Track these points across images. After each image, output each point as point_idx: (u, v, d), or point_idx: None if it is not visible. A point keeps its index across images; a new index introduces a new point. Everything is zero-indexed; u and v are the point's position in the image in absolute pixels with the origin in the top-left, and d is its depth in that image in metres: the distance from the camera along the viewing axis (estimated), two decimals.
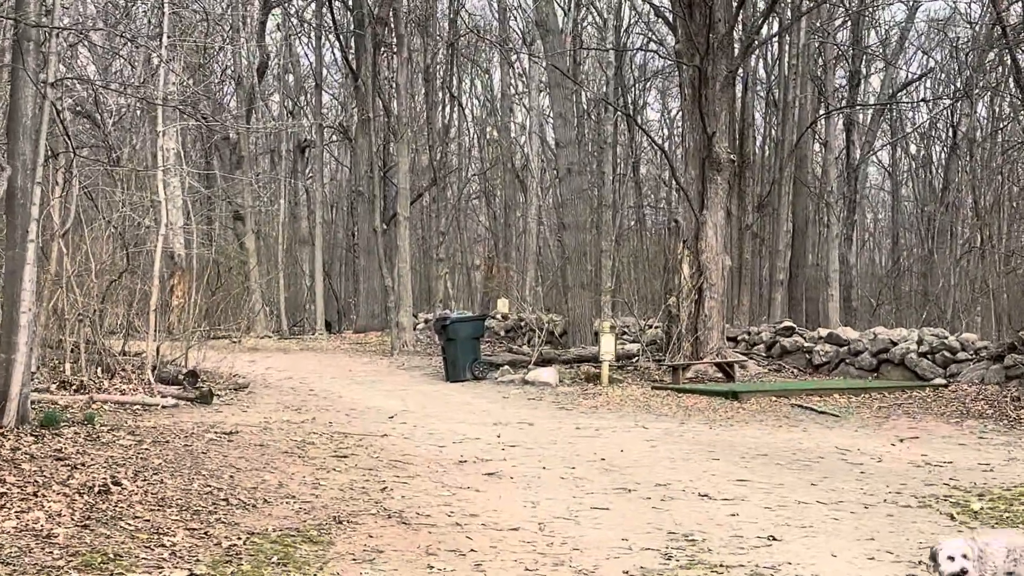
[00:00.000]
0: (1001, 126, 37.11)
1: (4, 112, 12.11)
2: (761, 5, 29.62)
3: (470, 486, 10.58)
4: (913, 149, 47.42)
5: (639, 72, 41.98)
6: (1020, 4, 28.88)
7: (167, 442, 12.25)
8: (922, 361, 20.58)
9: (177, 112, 22.27)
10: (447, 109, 45.98)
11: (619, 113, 35.91)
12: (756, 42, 28.56)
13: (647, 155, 45.27)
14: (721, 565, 7.57)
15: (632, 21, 39.12)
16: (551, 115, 31.32)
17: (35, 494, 8.90)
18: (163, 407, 15.52)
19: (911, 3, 38.14)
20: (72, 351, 17.28)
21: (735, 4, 22.79)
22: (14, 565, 7.01)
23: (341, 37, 37.98)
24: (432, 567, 7.48)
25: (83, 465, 10.30)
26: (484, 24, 46.35)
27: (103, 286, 19.02)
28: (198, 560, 7.48)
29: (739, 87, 29.48)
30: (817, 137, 36.53)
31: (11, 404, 11.80)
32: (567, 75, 27.52)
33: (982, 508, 9.67)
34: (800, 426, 15.59)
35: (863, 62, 38.11)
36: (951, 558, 6.02)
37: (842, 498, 10.17)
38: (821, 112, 35.58)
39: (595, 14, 38.81)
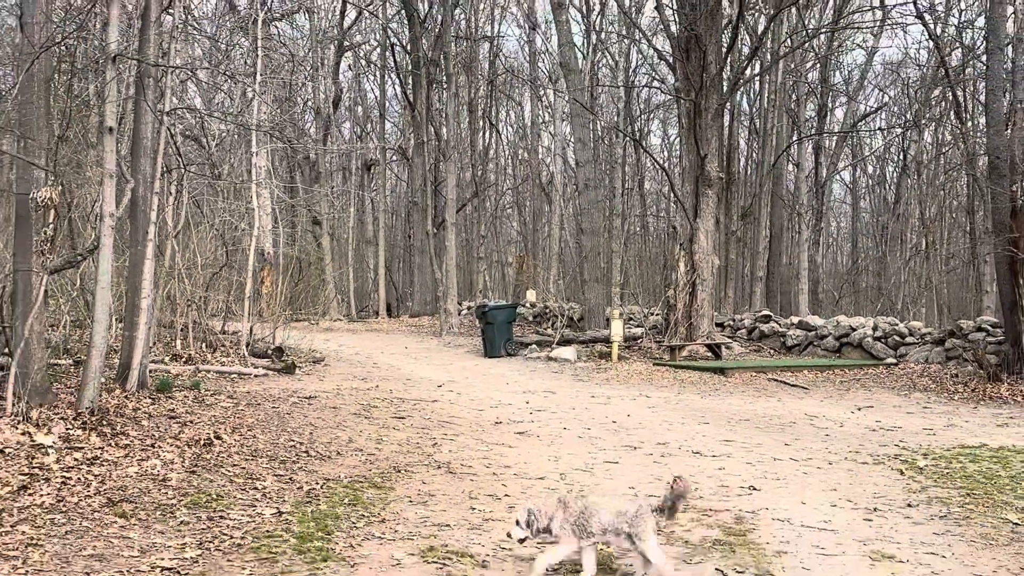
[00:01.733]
0: (944, 151, 36.86)
1: (129, 136, 12.18)
2: (746, 50, 29.46)
3: (504, 443, 10.59)
4: (870, 169, 47.25)
5: (644, 105, 41.77)
6: (960, 51, 28.70)
7: (258, 405, 12.31)
8: (876, 344, 20.42)
9: (267, 136, 22.37)
10: (487, 134, 45.97)
11: (627, 138, 35.86)
12: (741, 80, 28.39)
13: (650, 173, 45.01)
14: (711, 509, 7.56)
15: (639, 63, 38.95)
16: (572, 139, 31.26)
17: (152, 446, 8.98)
18: (255, 376, 15.59)
19: (869, 48, 38.04)
20: (182, 330, 17.39)
21: (724, 50, 22.65)
22: (137, 503, 7.09)
23: (401, 75, 37.94)
24: (474, 508, 7.50)
25: (191, 423, 10.37)
26: (517, 65, 46.27)
27: (207, 277, 19.12)
28: (284, 500, 7.53)
29: (727, 117, 29.26)
30: (791, 159, 36.32)
31: (133, 372, 11.90)
32: (585, 107, 27.44)
33: (926, 465, 9.61)
34: (776, 396, 15.52)
35: (829, 97, 37.87)
36: (517, 523, 5.94)
37: (810, 456, 10.12)
38: (794, 138, 35.43)
39: (609, 57, 38.68)
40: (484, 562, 6.07)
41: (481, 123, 44.35)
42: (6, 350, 10.58)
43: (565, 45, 27.83)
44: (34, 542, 6.00)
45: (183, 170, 14.56)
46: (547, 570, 5.85)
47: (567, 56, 27.76)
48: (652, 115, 44.39)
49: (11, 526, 6.27)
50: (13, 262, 9.97)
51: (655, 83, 36.36)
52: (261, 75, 19.58)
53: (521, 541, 5.98)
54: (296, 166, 38.37)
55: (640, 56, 38.43)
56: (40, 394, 9.52)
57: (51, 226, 9.07)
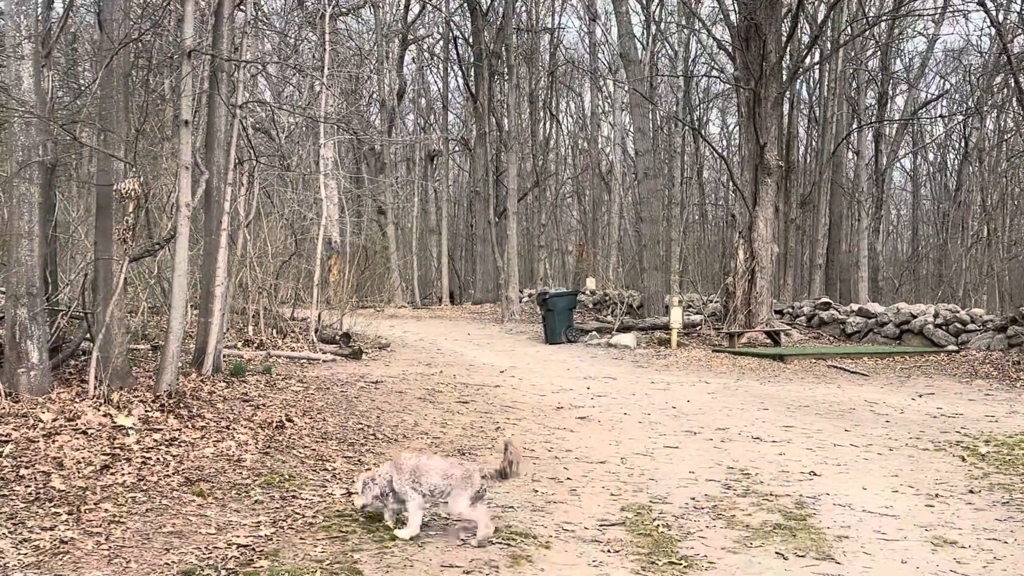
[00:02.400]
0: (1005, 137, 36.09)
1: (203, 129, 12.37)
2: (806, 39, 29.02)
3: (565, 427, 10.60)
4: (931, 156, 46.35)
5: (703, 94, 41.42)
6: (1022, 37, 28.01)
7: (327, 389, 12.45)
8: (937, 331, 20.05)
9: (335, 128, 22.54)
10: (547, 125, 45.91)
11: (687, 128, 35.55)
12: (801, 69, 27.96)
13: (709, 162, 44.60)
14: (771, 494, 7.50)
15: (698, 53, 38.60)
16: (631, 129, 31.04)
17: (227, 427, 9.13)
18: (323, 361, 15.76)
19: (931, 36, 37.25)
20: (253, 316, 17.63)
21: (784, 38, 22.35)
22: (213, 482, 7.22)
23: (463, 68, 37.99)
24: (536, 491, 7.52)
25: (263, 406, 10.54)
26: (577, 56, 46.10)
27: (277, 265, 19.38)
28: (353, 481, 7.61)
29: (786, 106, 28.89)
30: (850, 147, 35.71)
31: (208, 357, 12.11)
32: (645, 97, 27.26)
33: (988, 452, 9.44)
34: (835, 383, 15.32)
35: (890, 85, 37.18)
36: (358, 492, 6.35)
37: (871, 442, 9.99)
38: (854, 126, 34.88)
39: (668, 47, 38.37)
40: (547, 543, 6.09)
41: (542, 114, 44.30)
42: (88, 335, 10.83)
43: (625, 36, 27.66)
44: (116, 519, 6.15)
45: (255, 162, 14.75)
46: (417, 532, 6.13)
47: (627, 46, 27.60)
48: (711, 104, 44.01)
49: (95, 504, 6.43)
50: (95, 250, 10.19)
51: (714, 72, 36.02)
52: (328, 69, 19.74)
53: (362, 508, 6.36)
54: (362, 157, 38.67)
55: (699, 46, 38.10)
56: (120, 377, 9.73)
57: (131, 216, 9.25)
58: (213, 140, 12.29)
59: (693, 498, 7.33)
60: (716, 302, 25.12)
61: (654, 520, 6.67)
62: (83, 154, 16.22)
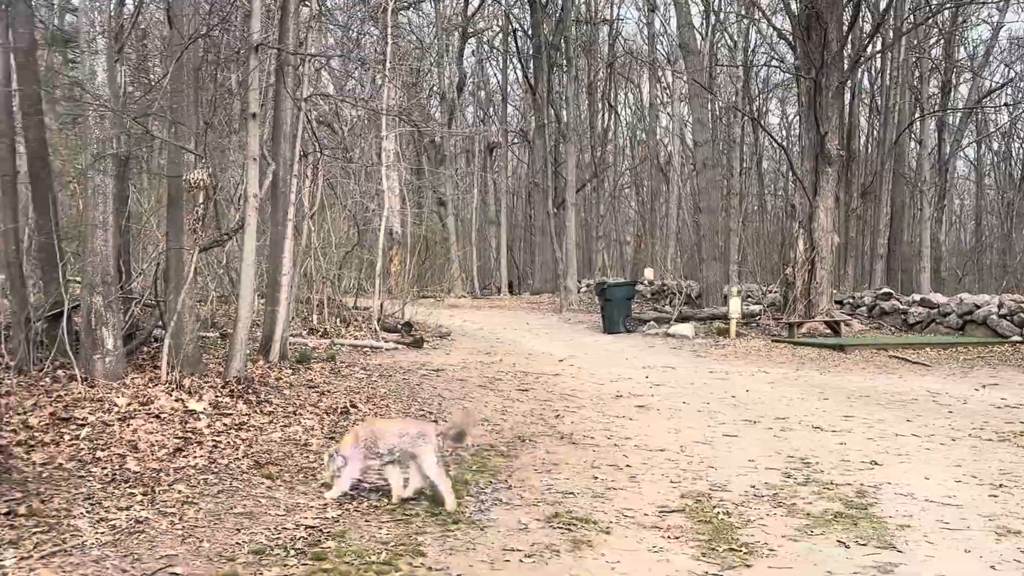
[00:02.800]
0: None
1: (270, 122, 12.53)
2: (867, 27, 28.54)
3: (624, 415, 10.58)
4: (995, 145, 45.30)
5: (762, 84, 40.95)
6: None
7: (390, 376, 12.58)
8: (1002, 322, 19.62)
9: (396, 120, 22.66)
10: (605, 116, 45.71)
11: (746, 118, 35.17)
12: (863, 58, 27.51)
13: (768, 152, 44.06)
14: (832, 483, 7.42)
15: (757, 43, 38.15)
16: (690, 120, 30.83)
17: (294, 413, 9.28)
18: (385, 349, 15.91)
19: (995, 23, 36.41)
20: (317, 305, 17.85)
21: (845, 27, 22.00)
22: (281, 465, 7.34)
23: (522, 60, 38.02)
24: (596, 477, 7.53)
25: (328, 392, 10.68)
26: (636, 47, 45.82)
27: (340, 256, 19.59)
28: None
29: (847, 95, 28.45)
30: (913, 136, 35.09)
31: (275, 345, 12.29)
32: (705, 87, 27.03)
33: None
34: (896, 373, 15.08)
35: (953, 73, 36.42)
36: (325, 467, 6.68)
37: (933, 432, 9.83)
38: (917, 115, 34.22)
39: (727, 37, 38.00)
40: (608, 528, 6.10)
41: (600, 105, 44.13)
42: (160, 323, 11.05)
43: (684, 26, 27.44)
44: (189, 500, 6.28)
45: (319, 154, 14.89)
46: (344, 493, 6.50)
47: (686, 37, 27.38)
48: (770, 94, 43.48)
49: (168, 485, 6.57)
50: (166, 240, 10.39)
51: (774, 62, 35.55)
52: (390, 62, 19.86)
53: (332, 479, 6.59)
54: (422, 149, 38.86)
55: (759, 36, 37.67)
56: (191, 364, 9.91)
57: (201, 206, 9.41)
58: (279, 133, 12.45)
59: (753, 486, 7.28)
60: (775, 292, 24.86)
61: (714, 507, 6.64)
62: (154, 147, 16.51)
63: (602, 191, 43.17)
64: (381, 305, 18.98)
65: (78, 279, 10.44)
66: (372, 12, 26.13)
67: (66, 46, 12.45)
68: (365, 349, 15.66)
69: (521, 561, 5.41)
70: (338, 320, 17.95)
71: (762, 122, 38.47)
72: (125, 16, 12.11)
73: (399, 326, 18.28)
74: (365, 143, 27.20)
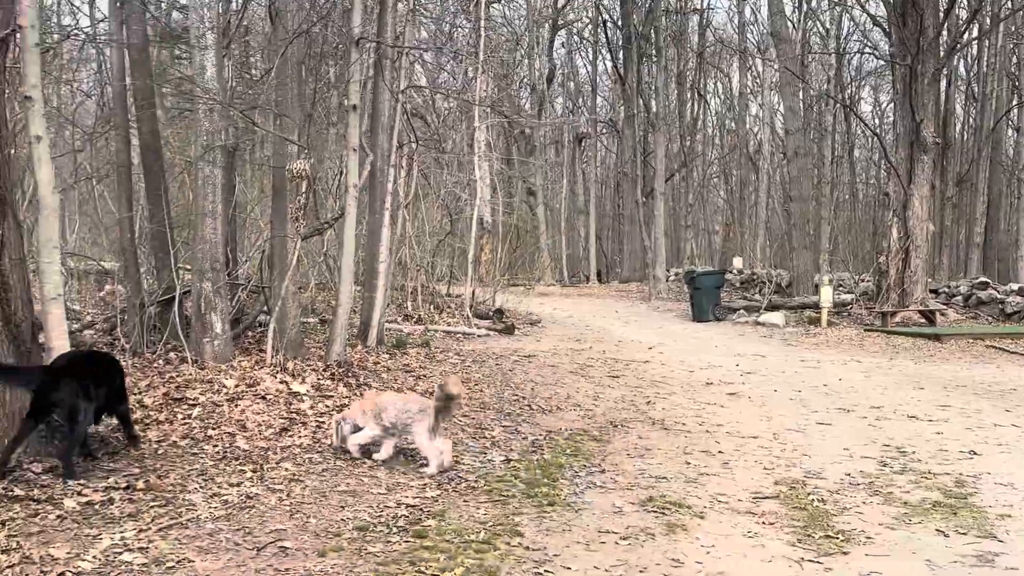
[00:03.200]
0: None
1: (369, 114, 12.70)
2: (964, 13, 27.66)
3: (715, 402, 10.49)
4: None
5: (855, 72, 40.00)
6: None
7: (483, 362, 12.68)
8: None
9: (488, 111, 22.77)
10: (695, 105, 45.21)
11: (838, 105, 34.42)
12: (959, 44, 26.68)
13: (859, 140, 43.06)
14: (929, 472, 7.26)
15: (850, 30, 37.32)
16: (781, 108, 30.32)
17: None
18: (478, 336, 16.04)
19: None
20: (412, 292, 18.06)
21: (942, 13, 21.37)
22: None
23: (612, 50, 37.82)
24: (689, 463, 7.49)
25: (424, 376, 10.82)
26: (726, 36, 45.19)
27: (434, 244, 19.79)
28: (511, 449, 7.76)
29: (943, 82, 27.64)
30: (1010, 123, 33.93)
31: (372, 330, 12.50)
32: (797, 75, 26.54)
33: None
34: (994, 363, 14.63)
35: None
36: (334, 435, 7.22)
37: None
38: (1015, 102, 33.09)
39: (819, 24, 37.22)
40: (702, 513, 6.08)
41: (689, 95, 43.66)
42: (265, 308, 11.33)
43: (776, 14, 26.97)
44: (295, 478, 6.44)
45: (415, 144, 15.06)
46: (358, 446, 7.04)
47: (778, 25, 26.92)
48: (863, 82, 42.45)
49: (276, 463, 6.75)
50: (271, 229, 10.64)
51: (867, 49, 34.72)
52: (483, 54, 19.95)
53: (339, 447, 7.12)
54: (512, 140, 38.95)
55: (852, 23, 36.83)
56: (294, 348, 10.14)
57: (303, 196, 9.61)
58: (377, 124, 12.63)
59: (848, 474, 7.17)
60: (867, 281, 24.33)
61: (808, 495, 6.56)
62: (256, 139, 16.88)
63: (691, 180, 42.72)
64: (473, 292, 19.12)
65: (188, 266, 10.76)
66: (464, 5, 26.28)
67: (176, 42, 12.80)
68: (458, 335, 15.80)
69: (616, 543, 5.42)
70: (431, 307, 18.14)
71: (854, 110, 37.62)
72: (231, 13, 12.39)
73: (491, 313, 18.41)
74: (457, 134, 27.41)
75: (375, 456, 7.01)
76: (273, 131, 10.10)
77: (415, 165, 17.54)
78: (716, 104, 50.19)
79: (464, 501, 6.15)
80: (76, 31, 12.81)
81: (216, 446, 7.10)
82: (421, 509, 5.91)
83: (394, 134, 12.91)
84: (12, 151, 6.95)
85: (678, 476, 7.03)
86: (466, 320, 17.24)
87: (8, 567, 4.52)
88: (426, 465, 6.82)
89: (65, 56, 15.08)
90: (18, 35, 6.43)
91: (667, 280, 30.57)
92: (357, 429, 7.08)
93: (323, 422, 8.05)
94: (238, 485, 6.16)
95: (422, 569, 4.82)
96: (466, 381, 10.75)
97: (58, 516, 5.35)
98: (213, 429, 7.48)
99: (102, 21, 12.47)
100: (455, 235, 21.64)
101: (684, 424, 9.14)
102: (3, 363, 6.19)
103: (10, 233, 6.21)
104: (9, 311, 6.17)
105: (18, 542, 4.87)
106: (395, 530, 5.46)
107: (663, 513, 6.04)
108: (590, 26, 42.27)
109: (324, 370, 9.86)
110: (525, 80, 39.76)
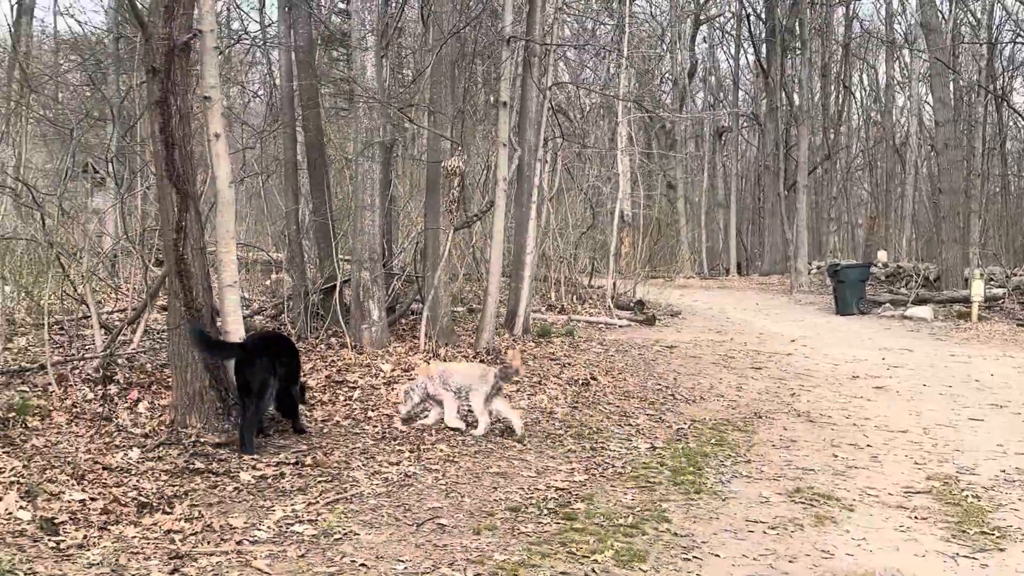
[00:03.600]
0: None
1: (517, 110, 12.81)
2: None
3: (862, 396, 10.17)
4: None
5: (1007, 62, 37.97)
6: None
7: (626, 351, 12.64)
8: None
9: (630, 106, 22.63)
10: (839, 97, 43.75)
11: (989, 97, 32.74)
12: None
13: (1012, 132, 40.87)
14: None
15: (1002, 19, 35.39)
16: (929, 100, 29.07)
17: (539, 383, 9.51)
18: (619, 326, 15.99)
19: None
20: (555, 283, 18.13)
21: None
22: (530, 431, 7.56)
23: (755, 44, 36.98)
24: (836, 455, 7.30)
25: (569, 364, 10.86)
26: (873, 27, 43.56)
27: (576, 237, 19.80)
28: (656, 437, 7.73)
29: None
30: None
31: (518, 319, 12.62)
32: (947, 66, 25.39)
33: None
34: None
35: None
36: (401, 403, 7.53)
37: None
38: None
39: (970, 14, 35.46)
40: (851, 506, 5.92)
41: (833, 87, 42.29)
42: (418, 297, 11.59)
43: (927, 4, 25.82)
44: (450, 459, 6.58)
45: (562, 140, 15.11)
46: (456, 415, 7.40)
47: (928, 15, 25.79)
48: (1016, 72, 40.24)
49: (431, 444, 6.92)
50: (424, 222, 10.87)
51: (1019, 39, 32.91)
52: (627, 50, 19.84)
53: (407, 414, 7.44)
54: (653, 135, 38.58)
55: (1004, 12, 34.94)
56: (445, 335, 10.35)
57: (456, 189, 9.79)
58: (525, 120, 12.72)
59: (1003, 471, 6.85)
60: (1020, 275, 23.10)
61: (962, 490, 6.30)
62: (409, 135, 17.25)
63: (834, 173, 41.38)
64: (614, 284, 19.03)
65: (347, 257, 11.10)
66: (607, 4, 26.18)
67: (336, 45, 13.20)
68: (600, 325, 15.79)
69: (765, 532, 5.34)
70: (574, 298, 18.17)
71: (1007, 100, 35.73)
72: (388, 17, 12.69)
73: (631, 304, 18.31)
74: (598, 130, 27.35)
75: (475, 432, 7.27)
76: (428, 128, 10.31)
77: (559, 160, 17.61)
78: (861, 96, 48.47)
79: (611, 486, 6.17)
80: (247, 35, 13.36)
81: (375, 427, 7.32)
82: (570, 492, 5.95)
83: (541, 129, 12.99)
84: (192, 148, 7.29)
85: (825, 468, 6.87)
86: (608, 311, 17.20)
87: (192, 534, 4.78)
88: (475, 427, 7.29)
89: (234, 59, 15.74)
90: (197, 40, 6.75)
91: (809, 273, 29.71)
92: (427, 394, 7.42)
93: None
94: (397, 464, 6.34)
95: (573, 550, 4.86)
96: (609, 370, 10.75)
97: (235, 488, 5.62)
98: (372, 411, 7.71)
99: (270, 26, 12.96)
100: (596, 228, 21.59)
101: (830, 417, 8.91)
102: (211, 338, 6.56)
103: (192, 224, 6.55)
104: (191, 296, 6.51)
105: (200, 511, 5.14)
106: (545, 511, 5.52)
107: (811, 504, 5.91)
108: (733, 20, 41.44)
109: (474, 356, 10.03)
110: (667, 75, 39.31)
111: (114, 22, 15.45)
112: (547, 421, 8.00)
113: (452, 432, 7.30)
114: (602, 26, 27.09)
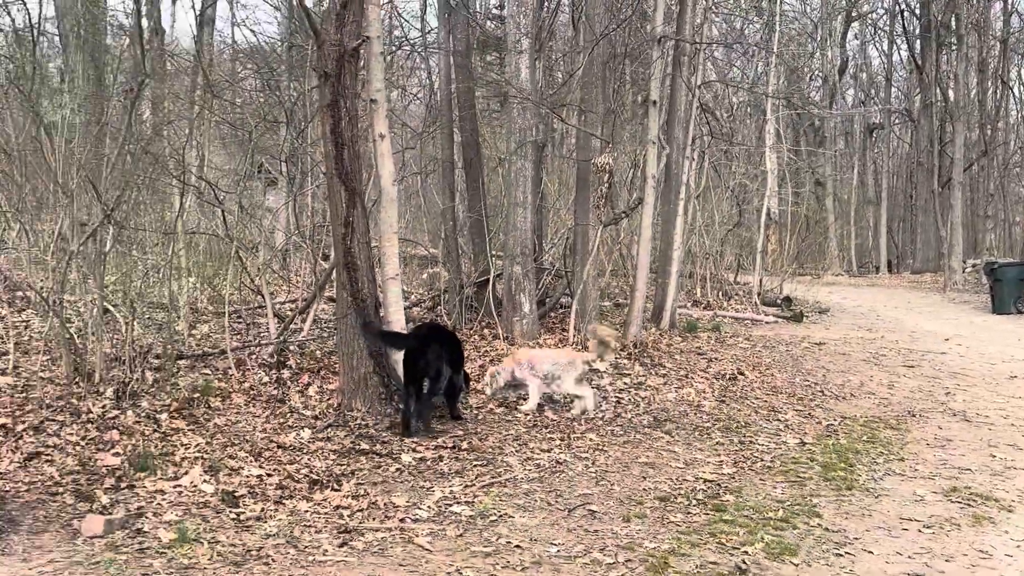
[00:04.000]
0: None
1: (665, 109, 12.67)
2: None
3: (1021, 396, 9.60)
4: None
5: None
6: None
7: (773, 347, 12.33)
8: None
9: (779, 103, 22.06)
10: (997, 93, 41.40)
11: None
12: None
13: None
14: None
15: None
16: None
17: (686, 376, 9.39)
18: (766, 322, 15.61)
19: None
20: (700, 279, 17.86)
21: None
22: (677, 423, 7.47)
23: (908, 40, 35.44)
24: (994, 456, 6.93)
25: (715, 359, 10.67)
26: None
27: (722, 233, 19.44)
28: (805, 432, 7.51)
29: None
30: None
31: (665, 314, 12.48)
32: None
33: None
34: None
35: None
36: (487, 386, 7.71)
37: None
38: None
39: None
40: (1010, 507, 5.60)
41: (991, 83, 40.04)
42: (567, 291, 11.62)
43: None
44: (599, 448, 6.58)
45: (711, 137, 14.87)
46: (538, 400, 7.58)
47: None
48: None
49: (581, 434, 6.93)
50: (574, 218, 10.89)
51: None
52: (776, 47, 19.34)
53: (492, 396, 7.66)
54: (802, 132, 37.47)
55: None
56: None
57: (605, 186, 9.76)
58: (673, 118, 12.57)
59: None
60: None
61: None
62: (558, 135, 17.30)
63: (991, 169, 39.19)
64: (760, 281, 18.60)
65: (499, 252, 11.24)
66: (756, 2, 25.58)
67: (492, 49, 13.36)
68: (746, 321, 15.46)
69: (920, 531, 5.12)
70: (719, 294, 17.85)
71: None
72: (541, 20, 12.76)
73: (778, 301, 17.85)
74: (746, 128, 26.76)
75: (523, 407, 7.51)
76: (580, 127, 10.32)
77: (706, 157, 17.32)
78: (1020, 91, 45.71)
79: (760, 479, 6.04)
80: (408, 41, 13.69)
81: (526, 415, 7.38)
82: (719, 484, 5.86)
83: (690, 127, 12.80)
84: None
85: (983, 468, 6.52)
86: (754, 307, 16.82)
87: (358, 510, 4.94)
88: (571, 408, 7.50)
89: (396, 64, 16.14)
90: (365, 46, 6.95)
91: (963, 271, 28.28)
92: (512, 379, 7.59)
93: (622, 397, 8.17)
94: (548, 451, 6.37)
95: (722, 541, 4.78)
96: (756, 365, 10.51)
97: (397, 469, 5.78)
98: (524, 399, 7.77)
99: (429, 32, 13.24)
100: (742, 225, 21.14)
101: (987, 417, 8.45)
102: (387, 330, 6.84)
103: (358, 220, 6.75)
104: (356, 287, 6.72)
105: (365, 489, 5.31)
106: (694, 502, 5.45)
107: (968, 504, 5.63)
108: (885, 16, 39.78)
109: (621, 350, 9.97)
110: (817, 72, 38.11)
111: (287, 32, 16.11)
112: (695, 414, 7.88)
113: (601, 422, 7.29)
114: (750, 24, 26.51)
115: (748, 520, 5.15)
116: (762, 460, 6.51)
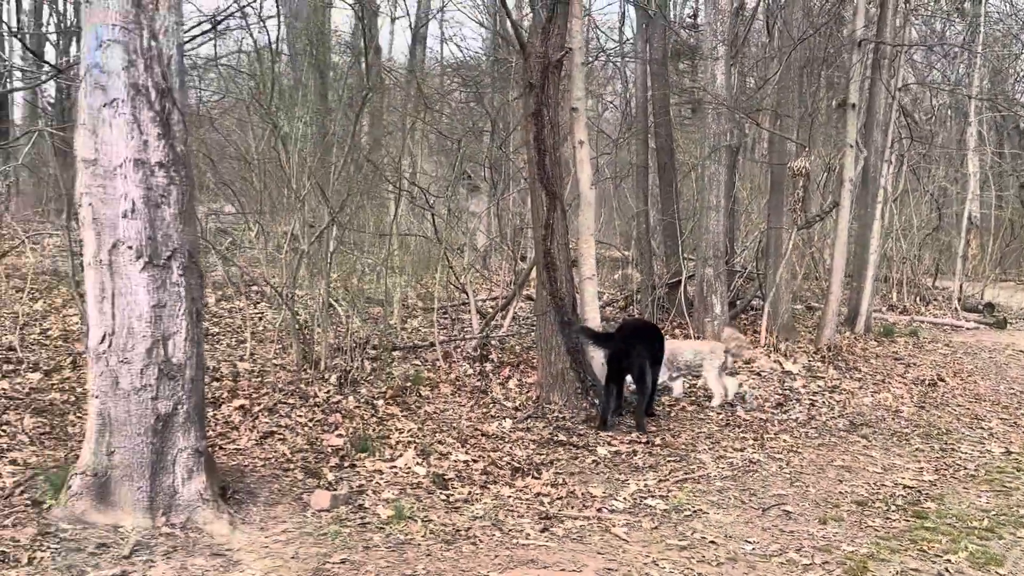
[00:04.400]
0: None
1: (864, 112, 12.06)
2: None
3: None
4: None
5: None
6: None
7: (974, 354, 11.52)
8: None
9: (982, 106, 20.60)
10: None
11: None
12: None
13: None
14: None
15: None
16: None
17: (882, 381, 8.91)
18: (966, 328, 14.58)
19: None
20: (896, 284, 16.93)
21: None
22: (874, 428, 7.10)
23: None
24: None
25: (913, 364, 10.08)
26: None
27: (920, 238, 18.36)
28: (1011, 441, 6.97)
29: None
30: None
31: (860, 318, 11.91)
32: None
33: None
34: None
35: None
36: None
37: None
38: None
39: None
40: None
41: None
42: (759, 293, 11.28)
43: None
44: (793, 449, 6.34)
45: (911, 140, 14.07)
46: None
47: None
48: None
49: (774, 434, 6.69)
50: (767, 221, 10.56)
51: None
52: (980, 48, 18.06)
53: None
54: (1006, 134, 34.79)
55: None
56: (786, 330, 9.99)
57: (801, 190, 9.40)
58: (872, 121, 11.97)
59: None
60: None
61: None
62: (750, 139, 16.83)
63: None
64: (960, 286, 17.40)
65: (691, 255, 11.04)
66: (959, 3, 24.00)
67: (685, 57, 13.16)
68: (945, 327, 14.49)
69: None
70: (917, 298, 16.84)
71: None
72: (737, 27, 12.45)
73: (979, 307, 16.63)
74: (946, 131, 25.13)
75: (677, 396, 7.55)
76: (775, 131, 10.00)
77: (904, 161, 16.39)
78: None
79: (964, 488, 5.64)
80: (605, 52, 13.67)
81: (720, 414, 7.21)
82: (919, 491, 5.52)
83: (889, 131, 12.14)
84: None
85: None
86: (954, 313, 15.75)
87: (557, 498, 4.96)
88: (711, 398, 7.42)
89: (594, 74, 16.15)
90: (568, 57, 6.98)
91: None
92: None
93: (815, 400, 7.85)
94: (741, 450, 6.20)
95: (924, 548, 4.50)
96: (958, 372, 9.84)
97: (593, 461, 5.77)
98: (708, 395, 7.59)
99: (625, 42, 13.18)
100: (941, 229, 19.86)
101: None
102: (594, 329, 6.84)
103: (558, 222, 6.79)
104: (555, 286, 6.76)
105: (564, 479, 5.33)
106: (893, 508, 5.16)
107: None
108: None
109: (815, 352, 9.60)
110: (1023, 73, 35.29)
111: (491, 47, 16.44)
112: (892, 419, 7.46)
113: (794, 424, 7.02)
114: (951, 26, 24.91)
115: (951, 528, 4.83)
116: (965, 468, 6.08)
